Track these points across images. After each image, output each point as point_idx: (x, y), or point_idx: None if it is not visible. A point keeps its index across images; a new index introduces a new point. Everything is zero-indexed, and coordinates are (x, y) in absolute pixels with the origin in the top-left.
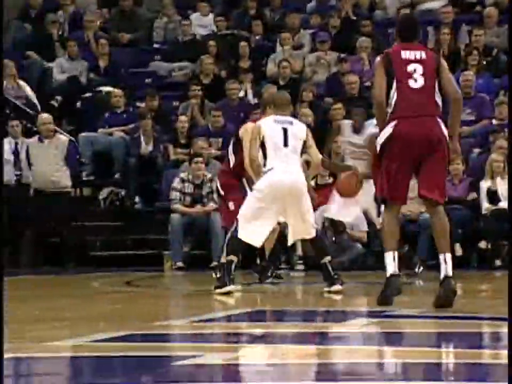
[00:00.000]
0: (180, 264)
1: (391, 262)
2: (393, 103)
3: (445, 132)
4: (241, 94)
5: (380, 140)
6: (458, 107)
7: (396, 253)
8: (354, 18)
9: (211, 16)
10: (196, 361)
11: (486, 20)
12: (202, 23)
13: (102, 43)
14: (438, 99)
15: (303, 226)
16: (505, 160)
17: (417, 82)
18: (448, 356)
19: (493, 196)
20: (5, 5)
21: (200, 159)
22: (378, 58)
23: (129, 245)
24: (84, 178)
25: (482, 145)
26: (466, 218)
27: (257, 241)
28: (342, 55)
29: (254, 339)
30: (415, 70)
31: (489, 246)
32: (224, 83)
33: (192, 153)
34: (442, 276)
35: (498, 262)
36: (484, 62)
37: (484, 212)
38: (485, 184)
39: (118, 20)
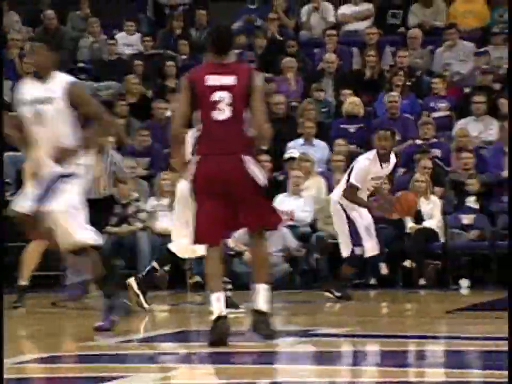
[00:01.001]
0: None
1: (216, 304)
2: (198, 136)
3: (252, 169)
4: (168, 113)
5: (189, 179)
6: (259, 143)
7: (221, 293)
8: (280, 38)
9: (137, 35)
10: (123, 382)
11: (409, 41)
12: (128, 42)
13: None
14: (248, 132)
15: None
16: (428, 179)
17: (223, 113)
18: (374, 375)
19: (417, 215)
20: None
21: None
22: (182, 80)
23: (54, 265)
24: (7, 198)
25: (407, 165)
26: (391, 237)
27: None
28: (268, 75)
29: (181, 359)
30: (221, 99)
31: (413, 265)
32: (151, 102)
33: None
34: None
35: (422, 281)
36: (408, 83)
37: (408, 230)
38: None
39: (42, 39)
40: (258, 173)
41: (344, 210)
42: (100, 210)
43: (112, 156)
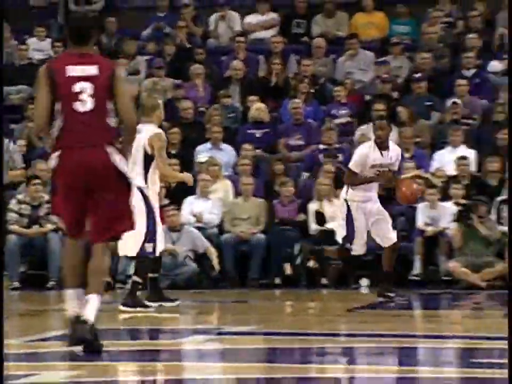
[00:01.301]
0: (16, 284)
1: (71, 302)
2: (58, 129)
3: (116, 160)
4: None
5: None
6: (129, 135)
7: (76, 290)
8: (189, 46)
9: (48, 41)
10: (31, 380)
11: (313, 50)
12: (39, 47)
13: None
14: (111, 123)
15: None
16: (331, 183)
17: (85, 104)
18: (276, 371)
19: (320, 217)
20: None
21: (37, 180)
22: (40, 71)
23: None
24: None
25: (311, 169)
26: (296, 239)
27: None
28: (177, 81)
29: (91, 357)
30: (82, 90)
31: (317, 265)
32: None
33: (30, 175)
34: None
35: (324, 281)
36: (312, 91)
37: (312, 232)
38: (313, 206)
39: None
40: (123, 164)
41: (348, 208)
42: None
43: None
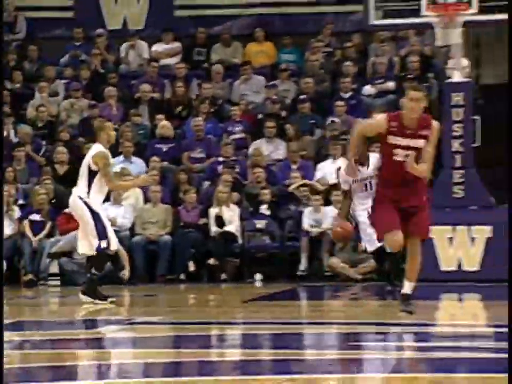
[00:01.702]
0: None
1: None
2: None
3: None
4: (5, 133)
5: None
6: None
7: None
8: (102, 71)
9: None
10: None
11: (212, 75)
12: None
13: None
14: None
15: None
16: (229, 191)
17: None
18: (182, 356)
19: (220, 221)
20: None
21: None
22: None
23: None
24: None
25: (211, 179)
26: (198, 240)
27: None
28: (93, 102)
29: (17, 346)
30: None
31: (217, 263)
32: None
33: None
34: None
35: (224, 276)
36: (212, 110)
37: (212, 234)
38: (213, 211)
39: None
40: None
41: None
42: None
43: None
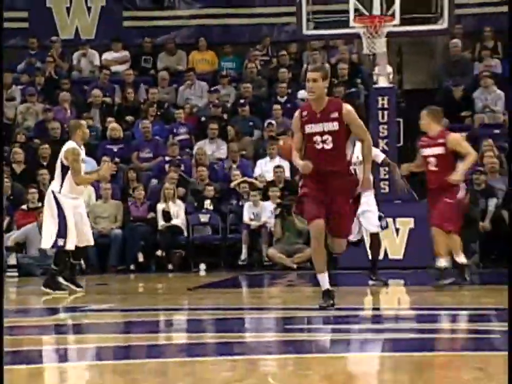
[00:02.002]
0: None
1: None
2: None
3: None
4: None
5: None
6: None
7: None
8: (56, 77)
9: None
10: None
11: (159, 81)
12: None
13: None
14: None
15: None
16: (174, 187)
17: None
18: (132, 340)
19: (166, 215)
20: None
21: None
22: None
23: None
24: None
25: (158, 177)
26: (146, 233)
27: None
28: (47, 106)
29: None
30: None
31: (164, 254)
32: None
33: None
34: None
35: (170, 266)
36: (158, 113)
37: (160, 227)
38: (160, 206)
39: None
40: None
41: None
42: None
43: None
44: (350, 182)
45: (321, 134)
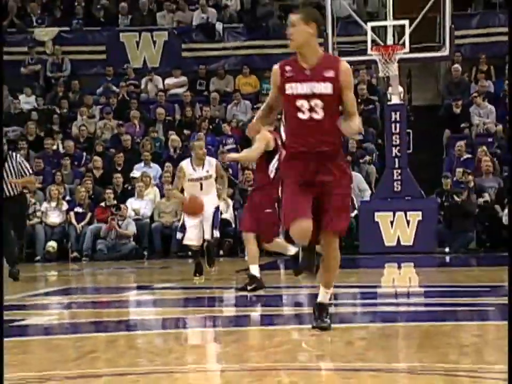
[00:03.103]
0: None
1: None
2: None
3: None
4: (55, 147)
5: None
6: None
7: None
8: (128, 98)
9: (33, 96)
10: (22, 323)
11: (211, 100)
12: (27, 101)
13: None
14: None
15: None
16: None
17: None
18: (189, 312)
19: None
20: None
21: (26, 190)
22: None
23: None
24: None
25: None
26: None
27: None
28: (121, 122)
29: (63, 306)
30: None
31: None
32: (43, 140)
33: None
34: None
35: (221, 252)
36: (210, 127)
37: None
38: None
39: None
40: None
41: None
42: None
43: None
44: (345, 171)
45: (309, 97)
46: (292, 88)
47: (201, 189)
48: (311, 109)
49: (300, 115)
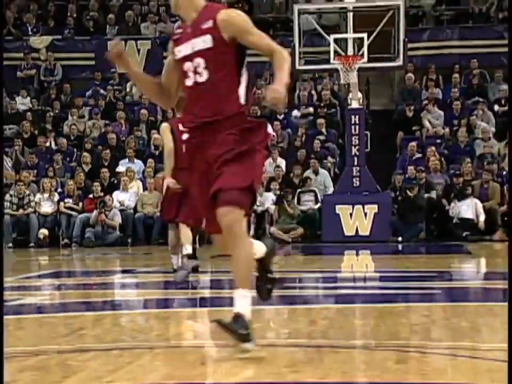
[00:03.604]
0: (10, 245)
1: None
2: None
3: None
4: (47, 144)
5: None
6: None
7: None
8: (114, 101)
9: (28, 98)
10: (19, 302)
11: None
12: (23, 102)
13: None
14: None
15: None
16: None
17: None
18: (169, 294)
19: None
20: None
21: (21, 183)
22: None
23: None
24: None
25: None
26: None
27: None
28: (108, 122)
29: (54, 288)
30: None
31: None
32: (37, 138)
33: (16, 179)
34: None
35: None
36: None
37: None
38: None
39: None
40: None
41: None
42: None
43: None
44: (249, 133)
45: (191, 58)
46: (179, 51)
47: None
48: (195, 71)
49: (187, 81)
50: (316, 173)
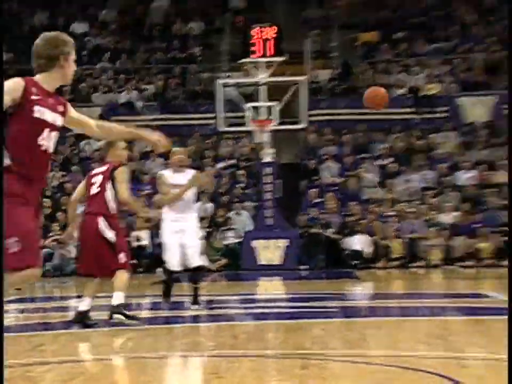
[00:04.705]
0: None
1: None
2: None
3: None
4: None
5: None
6: None
7: None
8: (70, 157)
9: None
10: None
11: (134, 157)
12: None
13: None
14: None
15: None
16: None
17: None
18: None
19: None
20: None
21: None
22: None
23: None
24: None
25: None
26: None
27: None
28: (65, 173)
29: None
30: None
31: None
32: None
33: None
34: None
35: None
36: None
37: None
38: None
39: None
40: None
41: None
42: None
43: None
44: None
45: (52, 127)
46: (40, 112)
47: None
48: (49, 139)
49: (41, 141)
50: (238, 214)
